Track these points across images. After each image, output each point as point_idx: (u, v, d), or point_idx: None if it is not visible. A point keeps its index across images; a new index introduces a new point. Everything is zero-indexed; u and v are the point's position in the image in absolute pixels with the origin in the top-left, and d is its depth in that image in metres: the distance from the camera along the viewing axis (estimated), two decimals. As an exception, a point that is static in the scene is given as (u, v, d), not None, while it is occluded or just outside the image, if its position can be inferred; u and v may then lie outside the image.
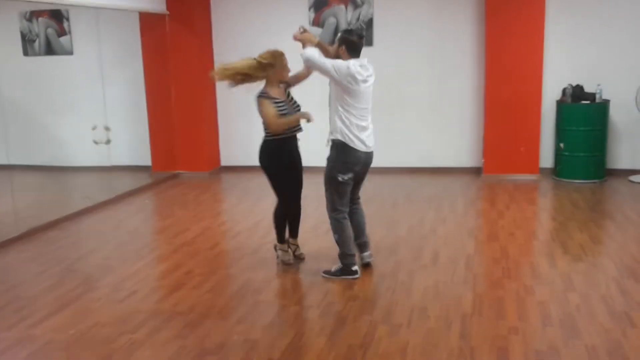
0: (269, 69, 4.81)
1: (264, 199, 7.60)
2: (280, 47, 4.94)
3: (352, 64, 4.50)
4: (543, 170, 8.16)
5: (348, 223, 4.82)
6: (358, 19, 8.46)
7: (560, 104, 7.98)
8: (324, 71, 4.52)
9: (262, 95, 4.82)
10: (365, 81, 4.58)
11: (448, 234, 5.95)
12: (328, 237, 5.89)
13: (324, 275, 4.89)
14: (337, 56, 4.62)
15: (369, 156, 4.75)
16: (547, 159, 8.23)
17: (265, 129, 4.89)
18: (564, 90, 7.93)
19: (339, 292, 4.60)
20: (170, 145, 8.91)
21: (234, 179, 8.83)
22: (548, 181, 7.99)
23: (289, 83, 5.03)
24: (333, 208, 4.77)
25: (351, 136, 4.58)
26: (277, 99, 4.84)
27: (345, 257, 4.82)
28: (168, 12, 8.51)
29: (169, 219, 6.87)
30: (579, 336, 3.79)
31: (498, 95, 7.98)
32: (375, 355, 3.65)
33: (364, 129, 4.64)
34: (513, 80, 7.92)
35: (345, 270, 4.82)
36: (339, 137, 4.59)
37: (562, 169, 8.00)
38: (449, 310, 4.22)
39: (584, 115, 7.83)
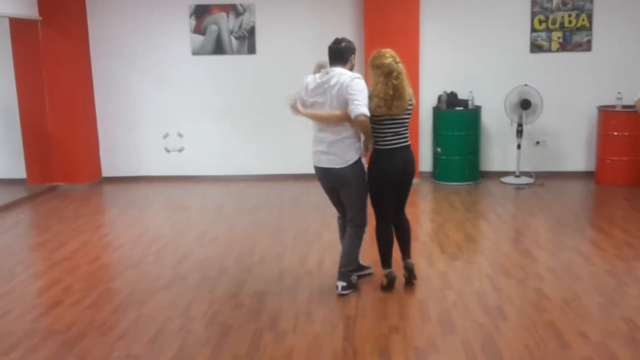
0: None
1: (147, 210, 7.45)
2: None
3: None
4: (422, 174, 8.48)
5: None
6: (240, 27, 8.45)
7: (436, 110, 8.35)
8: None
9: None
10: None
11: (333, 239, 6.03)
12: (214, 246, 5.87)
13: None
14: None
15: (324, 172, 4.90)
16: (426, 163, 8.58)
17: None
18: (439, 97, 8.31)
19: (224, 301, 4.57)
20: (47, 156, 8.50)
21: (116, 190, 8.55)
22: (427, 184, 8.32)
23: None
24: None
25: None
26: None
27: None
28: (40, 18, 8.13)
29: (46, 234, 6.55)
30: (455, 331, 3.98)
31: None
32: (261, 362, 3.67)
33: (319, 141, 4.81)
34: (392, 87, 8.17)
35: None
36: None
37: (439, 172, 8.36)
38: (334, 314, 4.31)
39: (459, 121, 8.23)
